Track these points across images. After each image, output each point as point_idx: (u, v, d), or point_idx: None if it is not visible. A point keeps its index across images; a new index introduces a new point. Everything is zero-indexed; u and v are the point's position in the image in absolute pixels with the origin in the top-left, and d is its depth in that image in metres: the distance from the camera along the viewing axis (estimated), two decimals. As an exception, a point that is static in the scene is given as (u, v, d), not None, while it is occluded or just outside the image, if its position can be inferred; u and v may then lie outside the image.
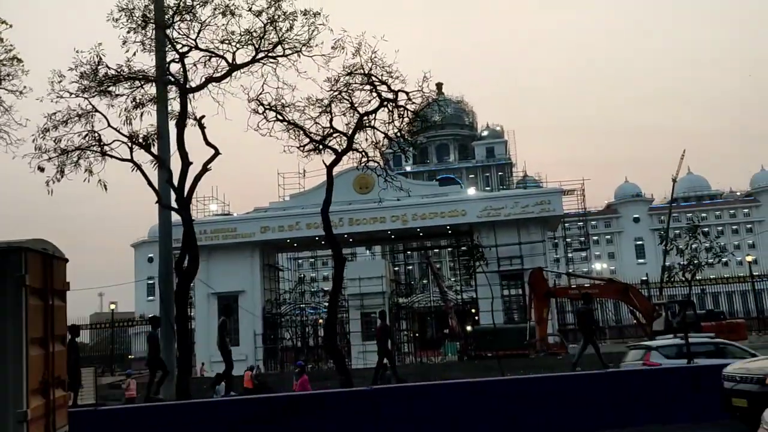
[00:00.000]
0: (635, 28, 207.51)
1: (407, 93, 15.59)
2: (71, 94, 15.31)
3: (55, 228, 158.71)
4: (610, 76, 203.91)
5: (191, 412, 11.76)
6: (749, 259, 51.98)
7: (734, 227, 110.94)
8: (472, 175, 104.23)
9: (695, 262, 18.79)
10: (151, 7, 15.52)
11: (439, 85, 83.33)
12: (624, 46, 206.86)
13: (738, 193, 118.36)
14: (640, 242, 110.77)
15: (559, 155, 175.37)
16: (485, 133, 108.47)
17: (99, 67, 15.14)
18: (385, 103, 15.72)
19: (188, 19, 15.41)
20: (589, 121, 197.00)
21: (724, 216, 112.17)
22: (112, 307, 51.57)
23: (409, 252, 75.05)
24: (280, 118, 15.82)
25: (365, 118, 15.85)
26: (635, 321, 31.00)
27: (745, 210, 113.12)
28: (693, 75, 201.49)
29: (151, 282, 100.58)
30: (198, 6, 15.40)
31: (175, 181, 15.66)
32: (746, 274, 51.74)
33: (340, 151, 16.10)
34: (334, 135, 16.16)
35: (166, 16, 15.32)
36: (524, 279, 41.69)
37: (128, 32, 15.33)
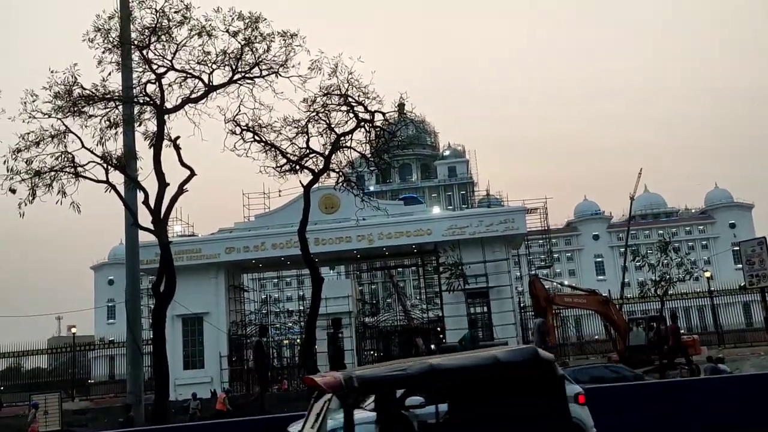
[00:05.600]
0: (596, 50, 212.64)
1: (384, 114, 15.78)
2: (44, 114, 15.15)
3: (9, 250, 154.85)
4: (570, 96, 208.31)
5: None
6: (707, 275, 53.15)
7: (690, 244, 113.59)
8: (435, 194, 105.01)
9: (667, 277, 19.08)
10: (128, 27, 15.47)
11: (401, 105, 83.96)
12: (584, 67, 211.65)
13: (693, 211, 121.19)
14: (600, 259, 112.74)
15: (519, 174, 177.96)
16: (447, 153, 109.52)
17: (73, 87, 15.00)
18: (362, 123, 15.85)
19: (164, 39, 15.39)
20: (549, 140, 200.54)
21: (680, 233, 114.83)
22: (74, 331, 50.34)
23: (372, 271, 74.83)
24: (257, 138, 15.86)
25: (342, 138, 15.97)
26: (608, 335, 30.80)
27: (700, 227, 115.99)
28: (649, 95, 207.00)
29: (111, 305, 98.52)
30: (174, 27, 15.40)
31: (151, 202, 15.56)
32: (702, 290, 52.85)
33: (317, 171, 16.17)
34: (311, 155, 16.24)
35: (143, 37, 15.28)
36: (489, 297, 41.95)
37: (104, 52, 15.26)
